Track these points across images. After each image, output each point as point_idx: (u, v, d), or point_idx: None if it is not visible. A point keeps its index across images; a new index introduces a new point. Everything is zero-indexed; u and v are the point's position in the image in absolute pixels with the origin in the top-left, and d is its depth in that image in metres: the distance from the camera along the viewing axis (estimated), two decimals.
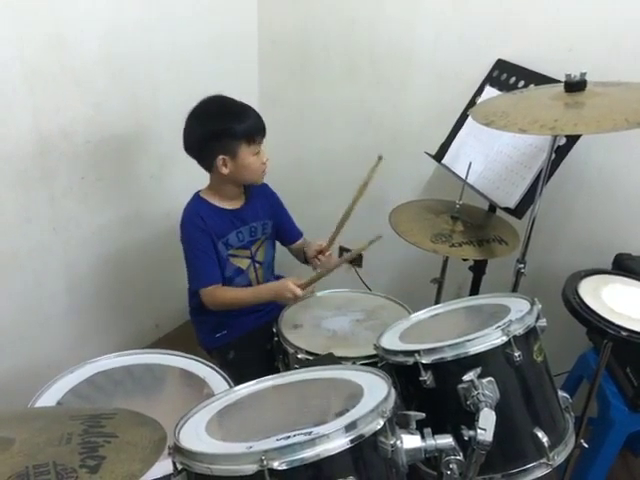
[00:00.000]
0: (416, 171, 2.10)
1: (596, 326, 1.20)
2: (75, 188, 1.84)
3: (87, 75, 1.75)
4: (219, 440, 0.89)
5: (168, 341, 2.27)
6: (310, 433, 0.81)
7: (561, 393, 1.18)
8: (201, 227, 1.55)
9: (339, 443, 0.80)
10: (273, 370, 1.56)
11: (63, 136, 1.75)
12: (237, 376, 1.30)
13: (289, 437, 0.82)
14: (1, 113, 1.58)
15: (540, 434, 1.07)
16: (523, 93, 1.45)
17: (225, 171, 1.52)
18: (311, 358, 1.43)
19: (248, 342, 1.65)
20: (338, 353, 1.39)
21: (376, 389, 0.94)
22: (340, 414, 0.87)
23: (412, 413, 0.94)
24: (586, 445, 1.40)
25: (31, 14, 1.57)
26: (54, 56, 1.66)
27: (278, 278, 1.76)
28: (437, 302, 1.84)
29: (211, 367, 1.38)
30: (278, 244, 1.81)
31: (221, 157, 1.50)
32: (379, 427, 0.84)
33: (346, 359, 1.39)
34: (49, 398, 1.27)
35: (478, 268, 1.77)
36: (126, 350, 1.42)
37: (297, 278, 1.56)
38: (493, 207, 1.73)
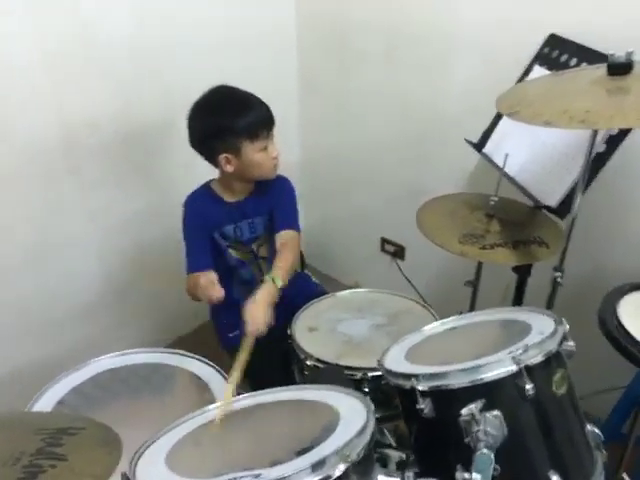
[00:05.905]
0: (457, 160, 1.92)
1: (633, 355, 1.01)
2: (105, 179, 1.84)
3: (113, 66, 1.73)
4: (177, 475, 0.82)
5: (201, 333, 2.24)
6: (258, 476, 0.73)
7: (590, 428, 1.02)
8: (195, 213, 1.51)
9: None
10: (288, 372, 1.49)
11: (90, 127, 1.74)
12: (252, 377, 1.28)
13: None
14: (25, 106, 1.58)
15: (555, 477, 0.92)
16: (564, 75, 1.25)
17: (230, 169, 1.44)
18: (320, 366, 1.35)
19: (262, 343, 1.58)
20: (349, 362, 1.32)
21: (352, 420, 0.84)
22: (301, 453, 0.78)
23: (393, 453, 0.83)
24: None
25: (51, 3, 1.55)
26: (77, 47, 1.63)
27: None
28: (472, 307, 1.68)
29: (218, 370, 1.34)
30: None
31: (224, 155, 1.42)
32: (338, 474, 0.74)
33: (356, 369, 1.30)
34: (52, 395, 1.27)
35: (522, 269, 1.59)
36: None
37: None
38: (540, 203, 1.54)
